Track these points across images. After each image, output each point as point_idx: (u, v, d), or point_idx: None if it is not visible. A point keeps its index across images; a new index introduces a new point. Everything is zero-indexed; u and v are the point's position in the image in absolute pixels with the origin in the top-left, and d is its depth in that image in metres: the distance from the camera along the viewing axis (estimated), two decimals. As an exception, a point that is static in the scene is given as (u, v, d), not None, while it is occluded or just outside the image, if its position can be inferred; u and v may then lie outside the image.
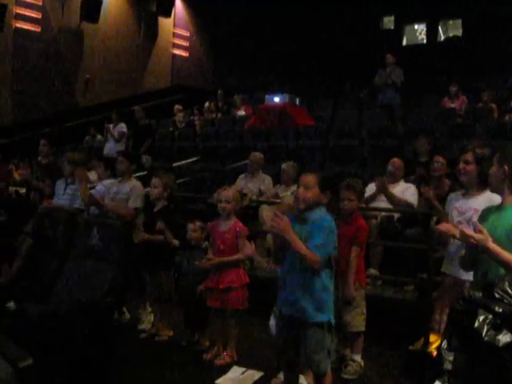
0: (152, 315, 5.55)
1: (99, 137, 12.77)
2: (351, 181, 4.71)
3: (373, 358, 4.76)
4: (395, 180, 6.38)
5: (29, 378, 1.77)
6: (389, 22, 18.99)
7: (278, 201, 6.94)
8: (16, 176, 10.42)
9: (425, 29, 18.57)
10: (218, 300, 4.77)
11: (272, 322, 4.20)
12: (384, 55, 11.47)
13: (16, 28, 14.28)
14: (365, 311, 4.49)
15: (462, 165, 4.38)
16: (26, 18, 14.48)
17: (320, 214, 3.46)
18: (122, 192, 5.99)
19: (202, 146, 10.82)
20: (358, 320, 4.47)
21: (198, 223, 5.11)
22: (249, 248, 5.07)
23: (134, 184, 6.02)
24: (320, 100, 13.83)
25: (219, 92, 14.32)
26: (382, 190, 6.07)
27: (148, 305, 5.60)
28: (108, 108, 13.27)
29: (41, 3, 14.72)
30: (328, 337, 3.46)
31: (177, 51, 18.33)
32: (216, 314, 4.90)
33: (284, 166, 7.26)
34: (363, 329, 4.48)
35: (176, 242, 5.22)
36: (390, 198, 6.09)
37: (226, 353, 4.80)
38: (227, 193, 4.87)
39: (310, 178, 3.50)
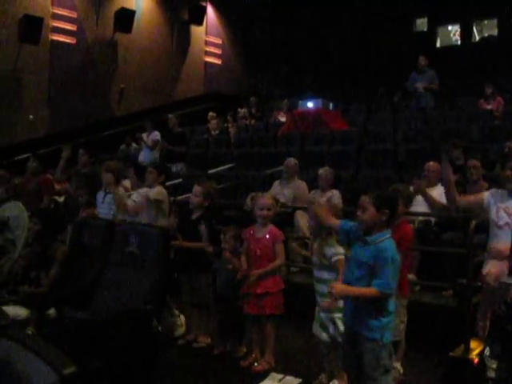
0: (184, 320, 5.57)
1: (134, 145, 12.91)
2: (397, 186, 4.65)
3: (412, 365, 4.69)
4: (432, 184, 6.30)
5: (72, 385, 1.79)
6: (422, 23, 18.78)
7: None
8: (55, 185, 10.60)
9: (459, 30, 18.30)
10: (254, 306, 4.77)
11: (315, 327, 4.21)
12: (417, 58, 11.36)
13: (52, 40, 14.54)
14: (405, 320, 4.41)
15: (508, 172, 4.33)
16: (62, 31, 14.73)
17: (383, 242, 3.39)
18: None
19: (237, 153, 10.84)
20: (397, 329, 4.42)
21: (232, 232, 5.11)
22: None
23: (158, 189, 6.03)
24: (354, 104, 13.76)
25: (251, 99, 14.35)
26: (420, 193, 5.99)
27: (177, 311, 5.61)
28: (142, 116, 13.40)
29: (76, 16, 14.97)
30: (385, 354, 3.44)
31: (209, 59, 18.42)
32: (252, 321, 4.90)
33: (321, 171, 7.23)
34: (402, 337, 4.42)
35: (211, 249, 5.23)
36: (429, 201, 6.02)
37: (264, 359, 4.79)
38: (267, 200, 4.86)
39: (364, 199, 3.42)
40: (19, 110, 13.92)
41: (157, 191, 5.86)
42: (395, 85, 13.26)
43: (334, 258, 4.07)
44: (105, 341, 3.85)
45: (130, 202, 5.98)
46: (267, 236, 4.79)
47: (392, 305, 3.45)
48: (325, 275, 4.16)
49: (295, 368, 4.72)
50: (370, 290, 3.32)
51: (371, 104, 13.20)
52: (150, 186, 5.98)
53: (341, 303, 3.77)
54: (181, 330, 5.57)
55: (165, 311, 5.51)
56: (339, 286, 3.43)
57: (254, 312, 4.79)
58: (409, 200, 4.67)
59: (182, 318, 5.65)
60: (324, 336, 4.17)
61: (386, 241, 3.39)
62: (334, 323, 4.09)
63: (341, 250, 4.06)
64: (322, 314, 4.17)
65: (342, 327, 3.96)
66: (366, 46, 17.34)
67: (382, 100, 13.76)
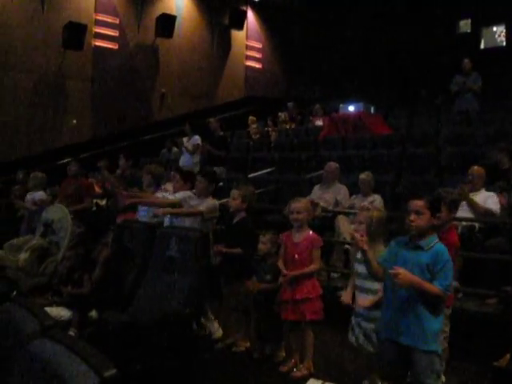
0: (216, 323, 5.57)
1: (175, 149, 13.02)
2: (441, 191, 4.56)
3: (455, 374, 4.59)
4: (476, 188, 6.18)
5: (113, 387, 1.80)
6: (465, 25, 18.46)
7: (353, 211, 6.86)
8: (96, 189, 10.78)
9: (504, 30, 17.92)
10: (293, 312, 4.74)
11: (351, 336, 4.16)
12: (461, 60, 11.17)
13: (95, 46, 14.81)
14: (447, 329, 4.31)
15: None
16: (104, 37, 15.01)
17: (438, 245, 3.40)
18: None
19: (277, 157, 10.81)
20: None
21: (269, 235, 5.10)
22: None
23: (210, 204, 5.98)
24: (395, 108, 13.59)
25: (289, 104, 14.32)
26: (464, 198, 5.88)
27: (211, 314, 5.61)
28: (183, 121, 13.51)
29: (118, 22, 15.22)
30: (437, 361, 3.40)
31: (250, 63, 18.49)
32: (291, 326, 4.87)
33: (362, 175, 7.16)
34: (445, 346, 4.32)
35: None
36: (473, 206, 5.90)
37: (303, 365, 4.75)
38: (298, 204, 4.84)
39: (420, 203, 3.41)
40: (63, 115, 14.22)
41: (207, 206, 5.63)
42: (438, 87, 13.06)
43: None
44: (144, 343, 3.88)
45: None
46: (305, 241, 4.76)
47: (442, 306, 3.43)
48: (368, 285, 4.10)
49: (335, 374, 4.67)
50: (434, 287, 3.28)
51: (413, 107, 13.02)
52: (199, 196, 5.91)
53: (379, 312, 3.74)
54: (217, 334, 5.57)
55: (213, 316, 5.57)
56: (405, 272, 3.29)
57: (293, 318, 4.76)
58: (454, 205, 4.57)
59: (216, 323, 5.64)
60: (367, 346, 4.10)
61: (438, 244, 3.40)
62: (370, 335, 4.03)
63: None
64: (367, 325, 4.09)
65: (376, 340, 3.92)
66: (408, 49, 17.13)
67: (425, 103, 13.56)
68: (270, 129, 13.55)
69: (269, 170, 10.38)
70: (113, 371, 1.81)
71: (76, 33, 13.88)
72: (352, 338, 4.19)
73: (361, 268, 4.10)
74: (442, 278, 3.28)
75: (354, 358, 4.52)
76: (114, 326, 4.05)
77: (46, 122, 13.79)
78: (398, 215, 6.21)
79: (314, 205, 4.90)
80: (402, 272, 3.28)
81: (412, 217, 3.39)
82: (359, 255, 4.10)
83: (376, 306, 3.97)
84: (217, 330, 5.59)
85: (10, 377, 2.32)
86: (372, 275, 3.76)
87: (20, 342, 2.29)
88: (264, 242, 5.04)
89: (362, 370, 4.37)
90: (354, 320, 4.21)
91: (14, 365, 2.29)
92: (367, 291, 4.08)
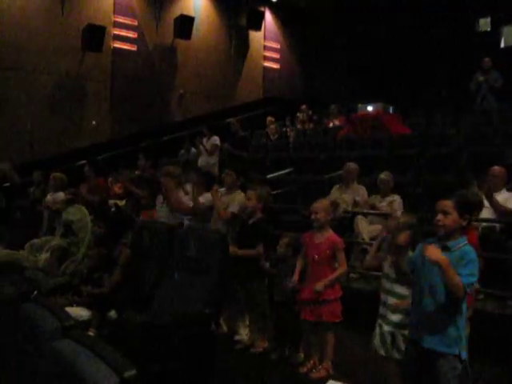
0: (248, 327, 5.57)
1: (193, 150, 13.05)
2: (463, 191, 4.51)
3: (476, 377, 4.53)
4: (496, 189, 6.11)
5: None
6: (485, 23, 18.27)
7: (373, 212, 6.83)
8: (115, 189, 10.83)
9: (524, 29, 17.75)
10: (312, 313, 4.73)
11: (377, 342, 4.10)
12: (481, 58, 11.07)
13: (114, 48, 14.90)
14: (467, 332, 4.25)
15: None
16: (123, 38, 15.08)
17: (466, 246, 3.38)
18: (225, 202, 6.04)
19: (296, 157, 10.80)
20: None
21: (287, 239, 5.09)
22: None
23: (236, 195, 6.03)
24: (414, 107, 13.50)
25: (303, 106, 14.28)
26: (486, 198, 5.81)
27: (246, 316, 5.61)
28: (201, 121, 13.54)
29: (136, 23, 15.30)
30: (459, 366, 3.37)
31: (268, 63, 18.46)
32: (310, 327, 4.86)
33: (382, 175, 7.10)
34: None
35: (265, 265, 5.23)
36: (495, 206, 5.84)
37: (322, 366, 4.73)
38: (316, 204, 4.85)
39: (447, 203, 3.39)
40: (82, 116, 14.32)
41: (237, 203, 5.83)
42: (457, 86, 12.95)
43: None
44: (163, 344, 3.89)
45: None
46: (325, 242, 4.74)
47: (465, 310, 3.41)
48: (398, 289, 4.06)
49: (354, 376, 4.64)
50: (457, 277, 3.21)
51: (432, 106, 12.92)
52: (229, 189, 5.99)
53: (403, 318, 3.72)
54: (244, 336, 5.56)
55: (237, 317, 5.57)
56: (437, 249, 3.27)
57: (312, 319, 4.76)
58: (478, 206, 4.51)
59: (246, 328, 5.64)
60: (381, 350, 4.05)
61: (467, 246, 3.37)
62: (394, 339, 3.97)
63: None
64: (385, 328, 4.04)
65: (402, 344, 3.89)
66: (427, 47, 17.00)
67: (444, 102, 13.45)
68: (288, 129, 13.54)
69: (287, 170, 10.37)
70: (133, 371, 1.82)
71: (95, 35, 13.98)
72: (374, 342, 4.14)
73: (390, 271, 4.07)
74: (465, 274, 3.24)
75: (374, 359, 4.49)
76: (133, 326, 4.07)
77: (65, 123, 13.90)
78: (417, 216, 6.19)
79: (335, 205, 4.85)
80: (433, 247, 3.27)
81: (439, 217, 3.37)
82: (389, 258, 4.08)
83: (400, 311, 3.94)
84: (243, 332, 5.57)
85: (32, 376, 2.34)
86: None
87: (41, 341, 2.32)
88: (281, 246, 5.04)
89: (383, 372, 4.33)
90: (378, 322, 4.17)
91: (35, 364, 2.31)
92: (395, 295, 4.04)
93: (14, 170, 9.15)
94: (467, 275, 3.23)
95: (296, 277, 4.77)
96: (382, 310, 4.10)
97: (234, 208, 5.87)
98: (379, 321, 4.10)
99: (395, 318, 3.96)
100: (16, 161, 11.99)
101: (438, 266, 3.21)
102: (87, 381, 1.85)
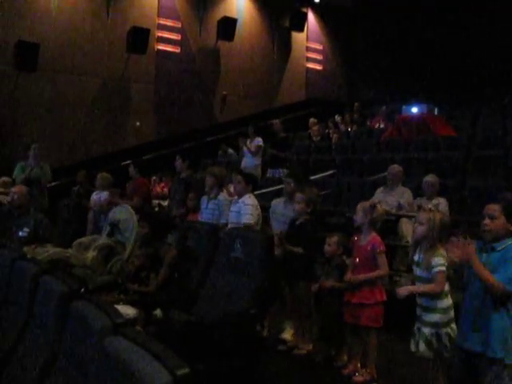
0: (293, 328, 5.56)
1: (230, 151, 13.10)
2: (507, 195, 4.44)
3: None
4: (547, 192, 5.97)
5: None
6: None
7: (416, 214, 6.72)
8: (158, 189, 10.96)
9: None
10: (351, 315, 4.72)
11: (414, 343, 4.03)
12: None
13: (158, 50, 15.09)
14: None
15: None
16: (167, 41, 15.26)
17: (510, 244, 3.36)
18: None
19: (338, 159, 10.74)
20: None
21: (336, 237, 5.06)
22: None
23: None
24: (460, 108, 13.27)
25: (356, 104, 14.20)
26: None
27: (291, 317, 5.59)
28: (244, 123, 13.60)
29: (180, 26, 15.46)
30: (506, 373, 3.30)
31: (310, 65, 18.41)
32: (352, 330, 4.82)
33: (427, 178, 6.99)
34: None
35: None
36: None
37: (365, 370, 4.69)
38: (357, 205, 4.81)
39: (495, 208, 3.39)
40: (127, 117, 14.55)
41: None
42: (504, 86, 12.67)
43: (435, 269, 3.81)
44: (208, 343, 3.91)
45: None
46: (367, 245, 4.70)
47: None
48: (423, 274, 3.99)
49: (398, 381, 4.59)
50: (490, 277, 3.23)
51: (478, 107, 12.67)
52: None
53: (443, 317, 3.66)
54: (289, 336, 5.55)
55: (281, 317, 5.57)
56: (471, 250, 3.31)
57: (350, 321, 4.74)
58: None
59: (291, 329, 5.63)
60: (427, 352, 3.97)
61: (511, 244, 3.35)
62: (440, 338, 3.90)
63: (444, 262, 3.81)
64: (426, 329, 3.97)
65: (448, 342, 3.81)
66: (472, 46, 16.70)
67: (491, 103, 13.16)
68: (331, 131, 13.48)
69: (330, 172, 10.32)
70: (186, 370, 1.82)
71: (139, 37, 14.20)
72: (412, 345, 4.07)
73: (419, 272, 4.00)
74: (503, 271, 3.23)
75: (418, 364, 4.42)
76: (179, 325, 4.09)
77: (110, 124, 14.14)
78: (463, 219, 6.09)
79: (372, 206, 4.78)
80: (468, 247, 3.28)
81: (486, 221, 3.34)
82: (416, 257, 4.00)
83: (437, 310, 3.87)
84: (288, 331, 5.56)
85: (83, 373, 2.37)
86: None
87: (92, 339, 2.35)
88: (330, 244, 5.02)
89: (426, 377, 4.26)
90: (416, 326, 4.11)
91: (88, 362, 2.34)
92: (425, 294, 3.97)
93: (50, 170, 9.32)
94: (505, 278, 3.22)
95: (348, 275, 4.74)
96: (418, 310, 4.01)
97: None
98: (417, 324, 4.00)
99: (433, 317, 3.87)
100: (65, 161, 12.28)
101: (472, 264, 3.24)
102: (140, 379, 1.85)
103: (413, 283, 4.14)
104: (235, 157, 12.41)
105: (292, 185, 5.92)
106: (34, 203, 7.03)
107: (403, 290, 3.84)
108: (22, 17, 12.89)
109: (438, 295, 3.84)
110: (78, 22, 13.69)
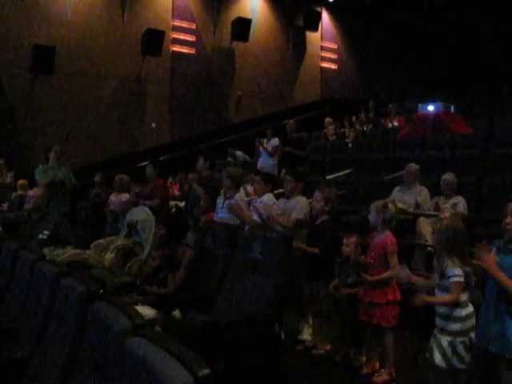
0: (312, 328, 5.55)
1: (238, 153, 13.04)
2: None
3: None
4: None
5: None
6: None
7: (433, 213, 6.68)
8: (174, 191, 10.98)
9: None
10: (364, 313, 4.72)
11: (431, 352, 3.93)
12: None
13: (173, 51, 15.16)
14: None
15: None
16: (182, 42, 15.33)
17: None
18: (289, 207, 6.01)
19: (355, 158, 10.70)
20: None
21: (353, 238, 5.03)
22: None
23: (299, 199, 6.00)
24: (477, 106, 13.16)
25: (371, 103, 14.14)
26: None
27: (309, 317, 5.58)
28: (259, 123, 13.60)
29: (194, 27, 15.52)
30: None
31: (325, 64, 18.38)
32: (371, 329, 4.80)
33: (445, 176, 6.93)
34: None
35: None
36: None
37: (384, 370, 4.66)
38: (373, 204, 4.81)
39: None
40: (142, 119, 14.62)
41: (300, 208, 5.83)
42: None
43: (452, 279, 3.68)
44: (227, 344, 3.91)
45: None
46: (380, 244, 4.69)
47: None
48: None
49: (417, 381, 4.55)
50: (508, 282, 3.19)
51: (495, 105, 12.55)
52: (290, 195, 5.98)
53: (462, 325, 3.62)
54: (307, 336, 5.53)
55: (299, 317, 5.56)
56: (490, 257, 3.28)
57: (364, 319, 4.74)
58: None
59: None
60: (442, 363, 3.76)
61: None
62: (455, 348, 3.81)
63: (462, 272, 3.68)
64: (443, 338, 3.80)
65: (464, 352, 3.68)
66: (488, 43, 16.57)
67: (508, 100, 13.04)
68: (346, 130, 13.43)
69: (347, 171, 10.29)
70: (207, 371, 1.83)
71: (154, 39, 14.27)
72: (428, 353, 3.94)
73: (438, 280, 3.91)
74: None
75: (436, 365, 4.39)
76: (197, 326, 4.10)
77: (125, 125, 14.22)
78: (481, 218, 6.04)
79: (385, 206, 4.75)
80: (484, 252, 3.24)
81: (508, 219, 3.30)
82: (435, 263, 3.93)
83: (452, 318, 3.77)
84: (306, 332, 5.55)
85: (104, 373, 2.38)
86: None
87: (112, 339, 2.35)
88: (348, 244, 5.00)
89: (446, 378, 4.21)
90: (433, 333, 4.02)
91: (108, 362, 2.35)
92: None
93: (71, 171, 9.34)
94: None
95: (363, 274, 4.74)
96: (436, 319, 3.89)
97: (298, 214, 5.78)
98: (435, 331, 3.85)
99: (451, 326, 3.76)
100: (82, 163, 12.34)
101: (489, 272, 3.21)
102: (160, 379, 1.86)
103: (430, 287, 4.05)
104: (243, 158, 12.39)
105: (292, 183, 5.91)
106: (55, 207, 7.07)
107: (419, 301, 3.73)
108: (38, 20, 13.01)
109: (456, 304, 3.77)
110: (94, 24, 13.79)
